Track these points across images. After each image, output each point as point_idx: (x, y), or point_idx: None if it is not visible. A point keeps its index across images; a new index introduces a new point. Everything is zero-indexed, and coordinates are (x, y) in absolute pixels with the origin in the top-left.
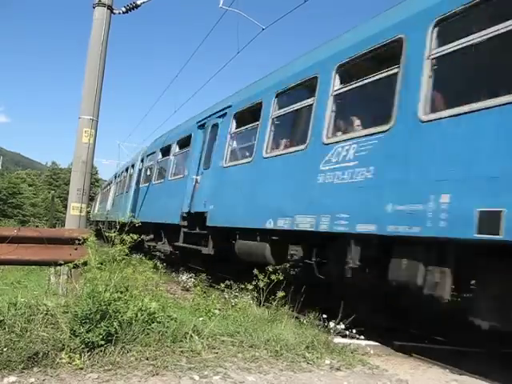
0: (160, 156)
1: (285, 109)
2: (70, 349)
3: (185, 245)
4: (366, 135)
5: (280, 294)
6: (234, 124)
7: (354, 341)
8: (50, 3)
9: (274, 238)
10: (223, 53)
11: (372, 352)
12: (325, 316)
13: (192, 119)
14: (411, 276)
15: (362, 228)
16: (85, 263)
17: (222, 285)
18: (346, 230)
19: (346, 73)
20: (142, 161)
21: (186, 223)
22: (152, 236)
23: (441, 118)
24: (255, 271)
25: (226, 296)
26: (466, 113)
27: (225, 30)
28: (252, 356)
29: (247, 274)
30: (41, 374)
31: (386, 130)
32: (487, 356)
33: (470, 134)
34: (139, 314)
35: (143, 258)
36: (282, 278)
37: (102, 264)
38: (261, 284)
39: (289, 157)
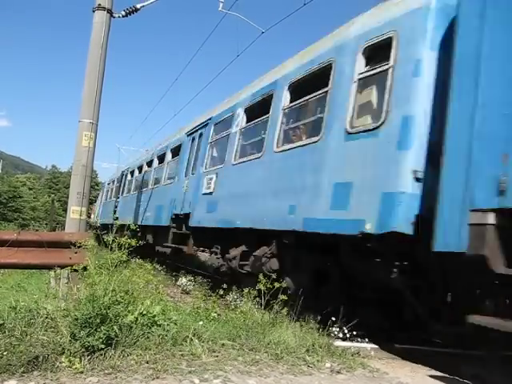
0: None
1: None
2: (70, 352)
3: None
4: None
5: (282, 297)
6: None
7: (355, 344)
8: (52, 5)
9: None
10: (223, 56)
11: (372, 355)
12: (325, 319)
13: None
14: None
15: None
16: (84, 267)
17: (221, 290)
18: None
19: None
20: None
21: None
22: None
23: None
24: (260, 277)
25: (226, 299)
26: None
27: (224, 34)
28: (252, 359)
29: None
30: (41, 378)
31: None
32: (487, 359)
33: None
34: (139, 318)
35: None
36: (285, 285)
37: (101, 268)
38: (261, 287)
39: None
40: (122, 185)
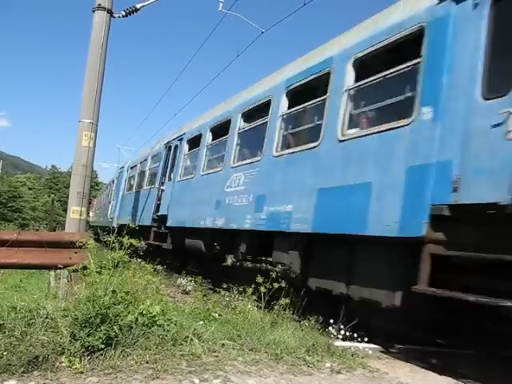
0: None
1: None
2: (70, 352)
3: None
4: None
5: (283, 300)
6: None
7: (355, 344)
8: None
9: None
10: (223, 56)
11: (372, 355)
12: (325, 319)
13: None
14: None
15: None
16: (85, 267)
17: (222, 291)
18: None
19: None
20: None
21: None
22: None
23: None
24: (258, 278)
25: (226, 299)
26: None
27: (224, 34)
28: (252, 359)
29: None
30: (41, 378)
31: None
32: (487, 359)
33: None
34: (139, 318)
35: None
36: (284, 285)
37: (101, 268)
38: (262, 289)
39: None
40: (170, 163)
